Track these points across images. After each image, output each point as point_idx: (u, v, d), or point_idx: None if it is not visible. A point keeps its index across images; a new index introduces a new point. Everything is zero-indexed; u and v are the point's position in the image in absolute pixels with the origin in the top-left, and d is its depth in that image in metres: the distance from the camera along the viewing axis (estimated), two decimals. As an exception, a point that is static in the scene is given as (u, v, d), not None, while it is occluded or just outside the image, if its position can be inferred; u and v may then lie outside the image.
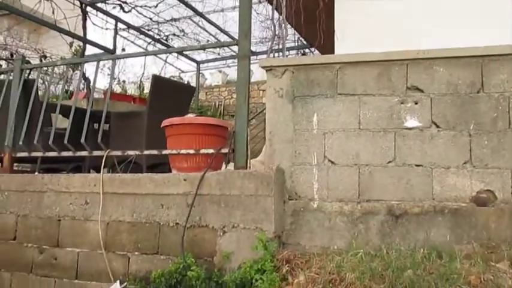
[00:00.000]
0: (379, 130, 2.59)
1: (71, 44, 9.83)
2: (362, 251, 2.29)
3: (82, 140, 3.14)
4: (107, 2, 6.59)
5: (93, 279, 2.82)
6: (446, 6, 3.77)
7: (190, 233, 2.64)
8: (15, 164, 3.82)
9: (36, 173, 3.62)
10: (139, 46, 9.18)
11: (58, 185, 3.02)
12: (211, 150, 2.86)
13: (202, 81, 13.04)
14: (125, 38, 8.94)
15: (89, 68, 18.49)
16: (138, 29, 8.17)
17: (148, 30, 8.43)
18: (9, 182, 3.21)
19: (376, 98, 2.62)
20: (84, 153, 3.21)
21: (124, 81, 13.60)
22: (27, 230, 3.07)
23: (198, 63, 8.98)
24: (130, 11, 7.19)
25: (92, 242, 2.85)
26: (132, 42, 9.28)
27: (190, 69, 12.42)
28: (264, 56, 5.38)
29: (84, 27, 6.41)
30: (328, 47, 4.51)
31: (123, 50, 8.80)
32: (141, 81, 12.87)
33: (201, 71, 10.44)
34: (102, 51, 6.78)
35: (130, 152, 3.13)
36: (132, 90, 13.49)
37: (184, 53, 8.63)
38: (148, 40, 8.59)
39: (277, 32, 4.58)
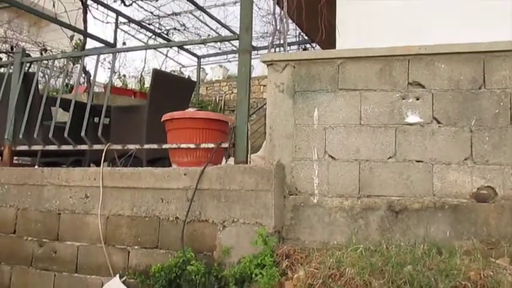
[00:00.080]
0: (380, 126, 2.58)
1: (71, 38, 9.80)
2: (362, 247, 2.29)
3: (82, 134, 3.14)
4: (107, -5, 6.58)
5: (92, 273, 2.82)
6: (448, 1, 3.74)
7: (190, 227, 2.64)
8: (15, 158, 3.81)
9: (36, 167, 3.61)
10: (140, 40, 9.16)
11: (58, 178, 3.03)
12: (211, 145, 2.86)
13: (203, 76, 13.02)
14: (125, 32, 8.93)
15: (89, 62, 18.51)
16: (139, 23, 8.15)
17: (149, 24, 8.41)
18: (9, 176, 3.21)
19: (377, 93, 2.61)
20: (84, 146, 3.22)
21: (124, 76, 13.56)
22: (27, 223, 3.08)
23: (198, 57, 8.98)
24: (131, 4, 7.17)
25: (92, 235, 2.86)
26: (133, 36, 9.26)
27: (191, 64, 12.40)
28: (265, 51, 5.36)
29: (85, 21, 6.39)
30: (329, 43, 4.48)
31: (124, 43, 8.78)
32: (141, 76, 12.84)
33: (201, 66, 10.45)
34: (102, 45, 6.77)
35: (131, 146, 3.13)
36: (132, 84, 13.46)
37: (185, 47, 8.62)
38: (149, 34, 8.58)
39: (278, 27, 4.55)
